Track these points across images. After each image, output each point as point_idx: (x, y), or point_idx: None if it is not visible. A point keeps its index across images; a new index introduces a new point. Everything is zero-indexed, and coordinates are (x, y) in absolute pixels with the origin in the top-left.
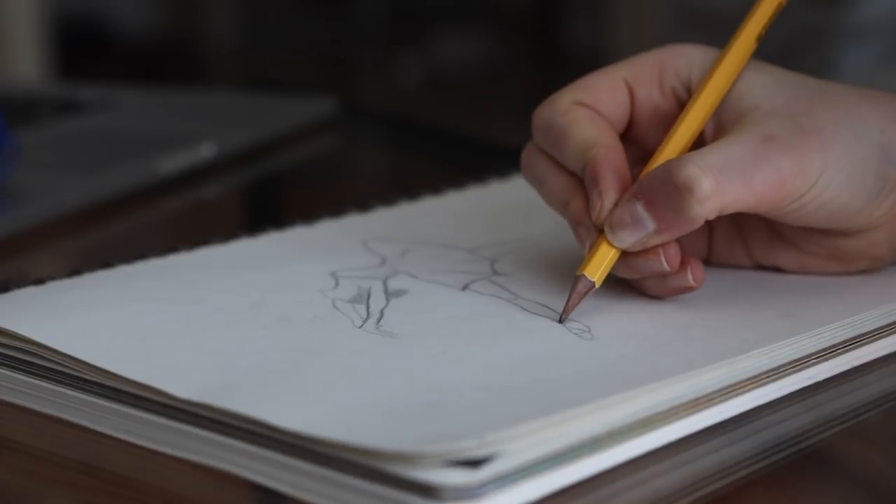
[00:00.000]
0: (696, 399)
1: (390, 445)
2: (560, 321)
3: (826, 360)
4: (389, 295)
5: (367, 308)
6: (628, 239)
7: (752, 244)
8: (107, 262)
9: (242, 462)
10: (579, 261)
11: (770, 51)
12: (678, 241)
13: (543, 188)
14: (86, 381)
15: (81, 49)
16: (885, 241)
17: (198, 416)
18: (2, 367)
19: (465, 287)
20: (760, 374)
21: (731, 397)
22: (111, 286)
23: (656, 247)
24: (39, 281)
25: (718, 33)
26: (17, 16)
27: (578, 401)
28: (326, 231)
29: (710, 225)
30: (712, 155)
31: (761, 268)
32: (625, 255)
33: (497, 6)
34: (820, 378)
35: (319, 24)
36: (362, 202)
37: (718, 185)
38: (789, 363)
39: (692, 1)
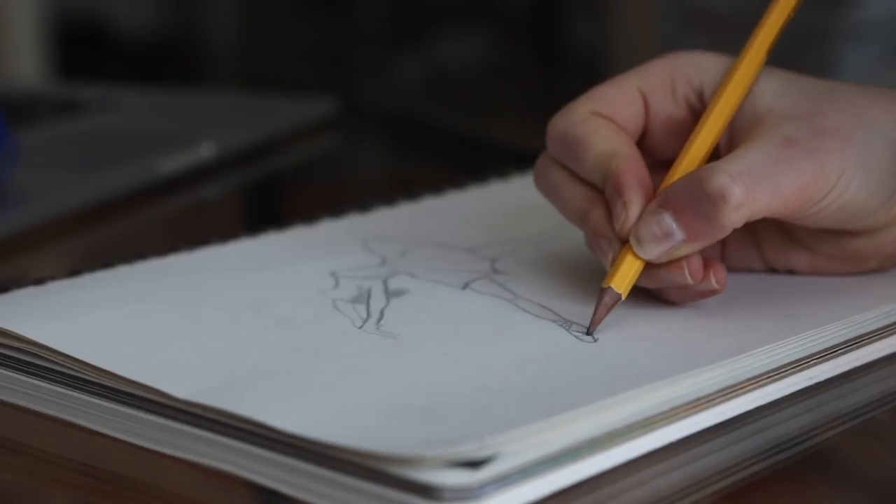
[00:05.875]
0: (697, 399)
1: (391, 448)
2: (588, 333)
3: (827, 360)
4: (390, 295)
5: (368, 308)
6: (656, 250)
7: (765, 248)
8: (107, 262)
9: (242, 462)
10: (579, 261)
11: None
12: None
13: (559, 199)
14: (86, 381)
15: (81, 49)
16: (893, 244)
17: (198, 416)
18: (2, 367)
19: (465, 286)
20: (761, 375)
21: (731, 398)
22: (111, 286)
23: (680, 259)
24: (39, 281)
25: (719, 33)
26: (17, 16)
27: (579, 402)
28: (326, 231)
29: None
30: (740, 162)
31: (773, 271)
32: (647, 265)
33: (497, 6)
34: (821, 378)
35: (319, 24)
36: (362, 202)
37: (749, 192)
38: (790, 363)
39: (693, 1)
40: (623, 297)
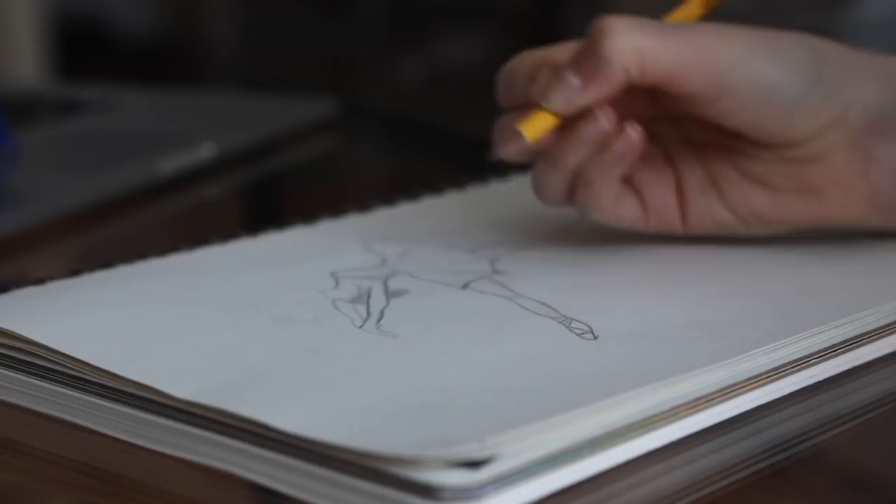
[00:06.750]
0: (697, 399)
1: (391, 449)
2: (487, 158)
3: (827, 359)
4: (390, 295)
5: (368, 308)
6: (556, 97)
7: (724, 191)
8: (107, 262)
9: (242, 462)
10: (580, 260)
11: None
12: (652, 199)
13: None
14: (86, 381)
15: (81, 49)
16: (849, 169)
17: (197, 416)
18: (2, 367)
19: (465, 286)
20: (761, 375)
21: (731, 397)
22: (111, 286)
23: (592, 111)
24: (39, 281)
25: None
26: (17, 16)
27: (579, 402)
28: (326, 231)
29: (680, 180)
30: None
31: (742, 221)
32: (568, 129)
33: (497, 6)
34: (821, 378)
35: (319, 24)
36: (362, 202)
37: (632, 28)
38: (790, 363)
39: None
40: (527, 139)
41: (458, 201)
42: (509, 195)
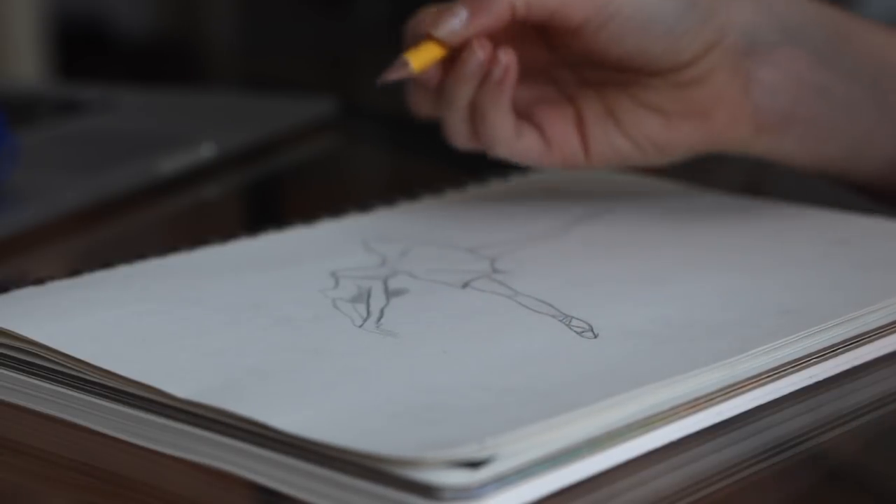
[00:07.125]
0: (697, 399)
1: (391, 450)
2: (378, 81)
3: (826, 359)
4: (390, 294)
5: (368, 307)
6: (443, 26)
7: (621, 120)
8: (107, 262)
9: (242, 462)
10: (579, 259)
11: None
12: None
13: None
14: (86, 381)
15: (81, 49)
16: (731, 89)
17: (198, 416)
18: (2, 367)
19: (465, 285)
20: (761, 374)
21: (731, 397)
22: (111, 286)
23: (471, 44)
24: (39, 281)
25: None
26: (17, 16)
27: (579, 402)
28: (326, 231)
29: (580, 114)
30: None
31: (638, 148)
32: (453, 69)
33: None
34: (820, 378)
35: (319, 24)
36: (362, 202)
37: None
38: (790, 363)
39: None
40: (412, 68)
41: (458, 201)
42: (509, 195)
